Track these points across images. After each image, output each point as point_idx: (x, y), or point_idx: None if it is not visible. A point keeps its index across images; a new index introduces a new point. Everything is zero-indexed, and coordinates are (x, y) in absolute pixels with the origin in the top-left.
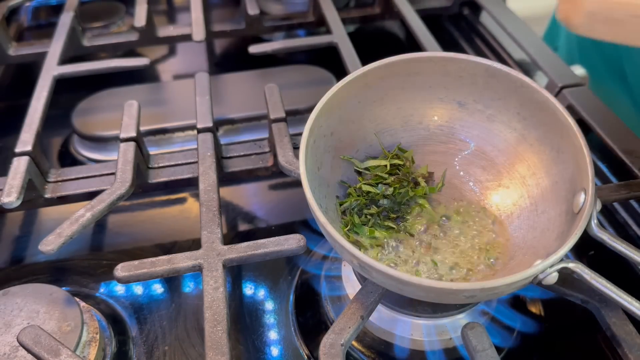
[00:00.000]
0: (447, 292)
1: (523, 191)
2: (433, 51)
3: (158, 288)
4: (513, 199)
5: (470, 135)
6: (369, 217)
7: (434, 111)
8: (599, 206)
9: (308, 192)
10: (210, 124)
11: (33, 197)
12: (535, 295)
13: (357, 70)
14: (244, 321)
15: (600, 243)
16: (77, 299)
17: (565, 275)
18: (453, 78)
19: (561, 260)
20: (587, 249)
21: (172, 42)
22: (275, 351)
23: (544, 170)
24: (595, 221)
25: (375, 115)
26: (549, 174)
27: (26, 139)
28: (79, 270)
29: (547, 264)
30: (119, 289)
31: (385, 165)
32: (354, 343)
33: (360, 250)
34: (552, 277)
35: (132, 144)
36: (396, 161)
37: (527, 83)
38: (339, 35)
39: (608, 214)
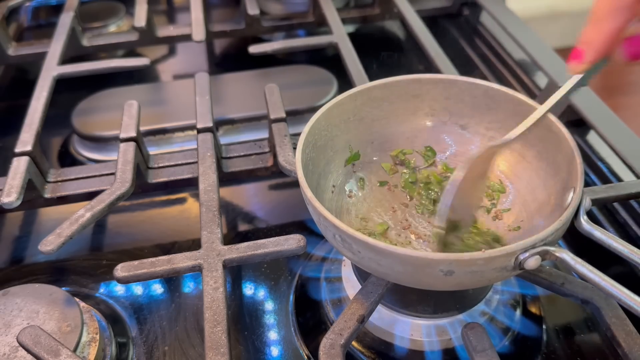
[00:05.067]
0: (422, 263)
1: (522, 208)
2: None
3: (158, 288)
4: (513, 217)
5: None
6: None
7: (438, 135)
8: (588, 204)
9: (300, 172)
10: (210, 124)
11: (33, 197)
12: (535, 293)
13: (360, 85)
14: (244, 321)
15: (597, 247)
16: (77, 299)
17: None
18: (455, 101)
19: (544, 244)
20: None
21: (172, 42)
22: (275, 351)
23: (542, 185)
24: (585, 217)
25: (380, 134)
26: (546, 187)
27: (26, 139)
28: (79, 270)
29: (528, 244)
30: (119, 289)
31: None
32: (354, 343)
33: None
34: (534, 261)
35: (132, 144)
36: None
37: (524, 101)
38: (339, 35)
39: (608, 214)
